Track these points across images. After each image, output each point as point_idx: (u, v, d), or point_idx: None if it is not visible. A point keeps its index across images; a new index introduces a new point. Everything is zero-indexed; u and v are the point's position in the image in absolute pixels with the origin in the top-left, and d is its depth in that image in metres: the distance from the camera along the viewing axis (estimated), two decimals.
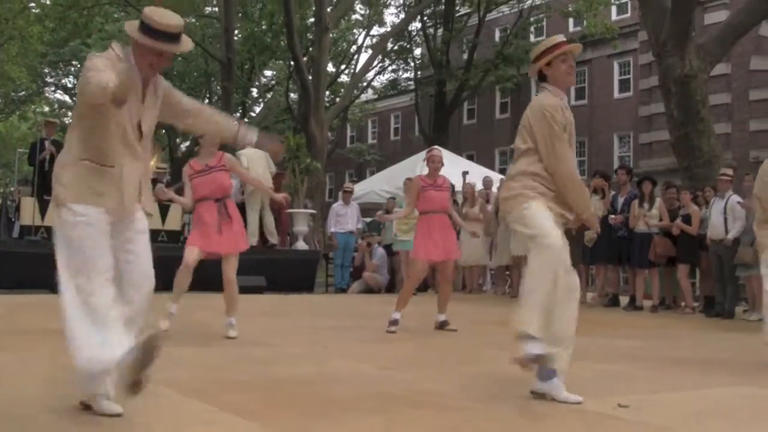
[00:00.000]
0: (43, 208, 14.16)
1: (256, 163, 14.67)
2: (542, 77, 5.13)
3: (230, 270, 7.93)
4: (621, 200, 13.73)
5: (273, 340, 7.79)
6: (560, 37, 5.23)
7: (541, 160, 4.95)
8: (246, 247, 8.17)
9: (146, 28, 4.07)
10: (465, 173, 17.08)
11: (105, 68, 3.85)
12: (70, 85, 50.31)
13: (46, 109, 52.49)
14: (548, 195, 4.94)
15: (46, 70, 47.90)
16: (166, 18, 4.12)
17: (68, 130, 4.26)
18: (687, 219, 12.84)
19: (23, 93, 47.84)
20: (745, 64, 23.80)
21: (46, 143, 15.33)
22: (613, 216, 13.49)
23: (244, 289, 13.89)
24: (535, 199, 4.91)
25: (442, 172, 9.47)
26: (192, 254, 7.79)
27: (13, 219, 16.37)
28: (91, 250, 4.02)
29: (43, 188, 14.80)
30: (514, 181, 5.05)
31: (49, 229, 14.02)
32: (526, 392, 4.97)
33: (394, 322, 8.81)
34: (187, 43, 4.24)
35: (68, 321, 3.95)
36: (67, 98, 51.48)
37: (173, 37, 4.13)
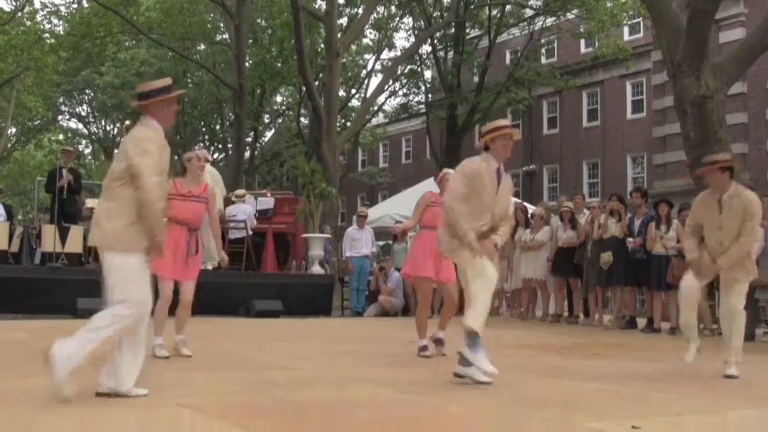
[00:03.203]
0: (63, 235, 14.26)
1: (217, 182, 14.62)
2: (486, 147, 6.78)
3: (189, 294, 7.96)
4: (637, 222, 13.67)
5: (292, 364, 7.76)
6: (504, 121, 7.03)
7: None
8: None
9: (154, 93, 5.37)
10: None
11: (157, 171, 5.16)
12: (83, 114, 50.75)
13: (61, 137, 53.05)
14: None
15: (61, 99, 48.28)
16: (160, 80, 5.54)
17: (116, 185, 5.20)
18: None
19: (38, 122, 48.23)
20: (762, 83, 23.73)
21: (64, 172, 15.49)
22: (631, 239, 13.46)
23: (261, 313, 14.07)
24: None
25: None
26: (169, 289, 7.78)
27: (34, 246, 16.47)
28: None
29: (62, 215, 14.91)
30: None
31: (69, 256, 14.12)
32: (555, 413, 4.98)
33: (424, 348, 8.66)
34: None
35: None
36: (80, 126, 51.96)
37: (172, 87, 5.49)
